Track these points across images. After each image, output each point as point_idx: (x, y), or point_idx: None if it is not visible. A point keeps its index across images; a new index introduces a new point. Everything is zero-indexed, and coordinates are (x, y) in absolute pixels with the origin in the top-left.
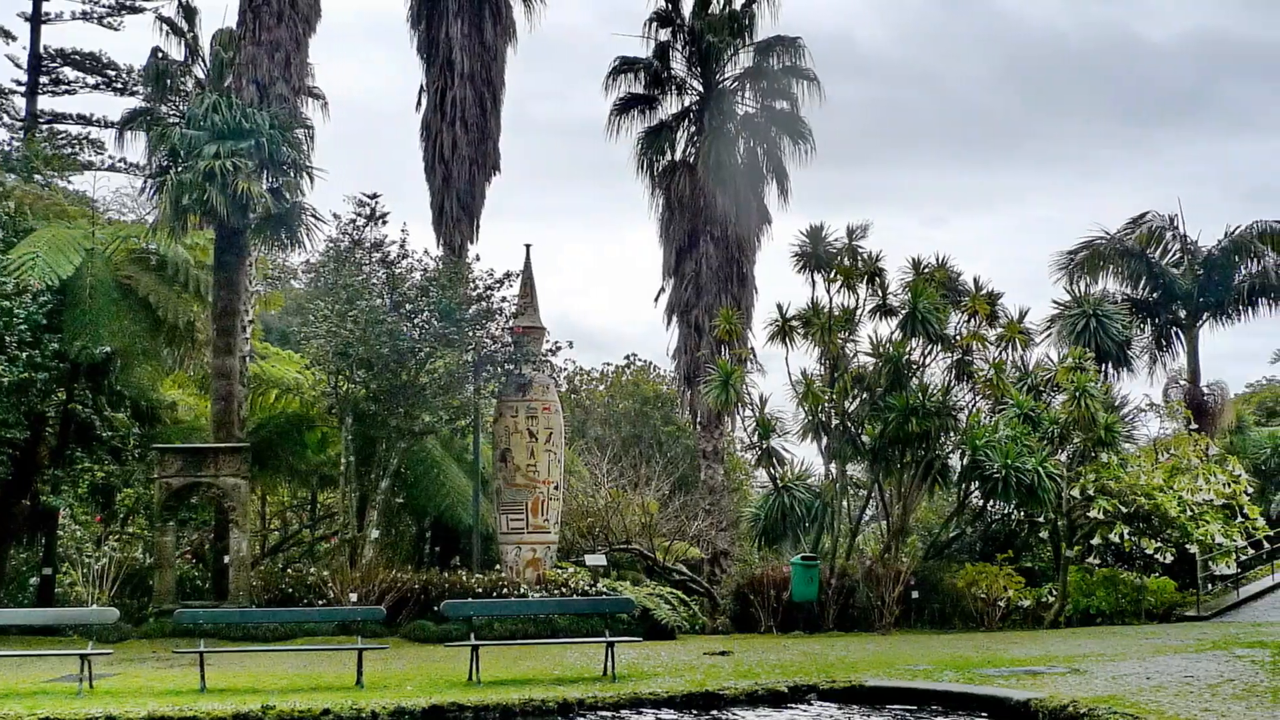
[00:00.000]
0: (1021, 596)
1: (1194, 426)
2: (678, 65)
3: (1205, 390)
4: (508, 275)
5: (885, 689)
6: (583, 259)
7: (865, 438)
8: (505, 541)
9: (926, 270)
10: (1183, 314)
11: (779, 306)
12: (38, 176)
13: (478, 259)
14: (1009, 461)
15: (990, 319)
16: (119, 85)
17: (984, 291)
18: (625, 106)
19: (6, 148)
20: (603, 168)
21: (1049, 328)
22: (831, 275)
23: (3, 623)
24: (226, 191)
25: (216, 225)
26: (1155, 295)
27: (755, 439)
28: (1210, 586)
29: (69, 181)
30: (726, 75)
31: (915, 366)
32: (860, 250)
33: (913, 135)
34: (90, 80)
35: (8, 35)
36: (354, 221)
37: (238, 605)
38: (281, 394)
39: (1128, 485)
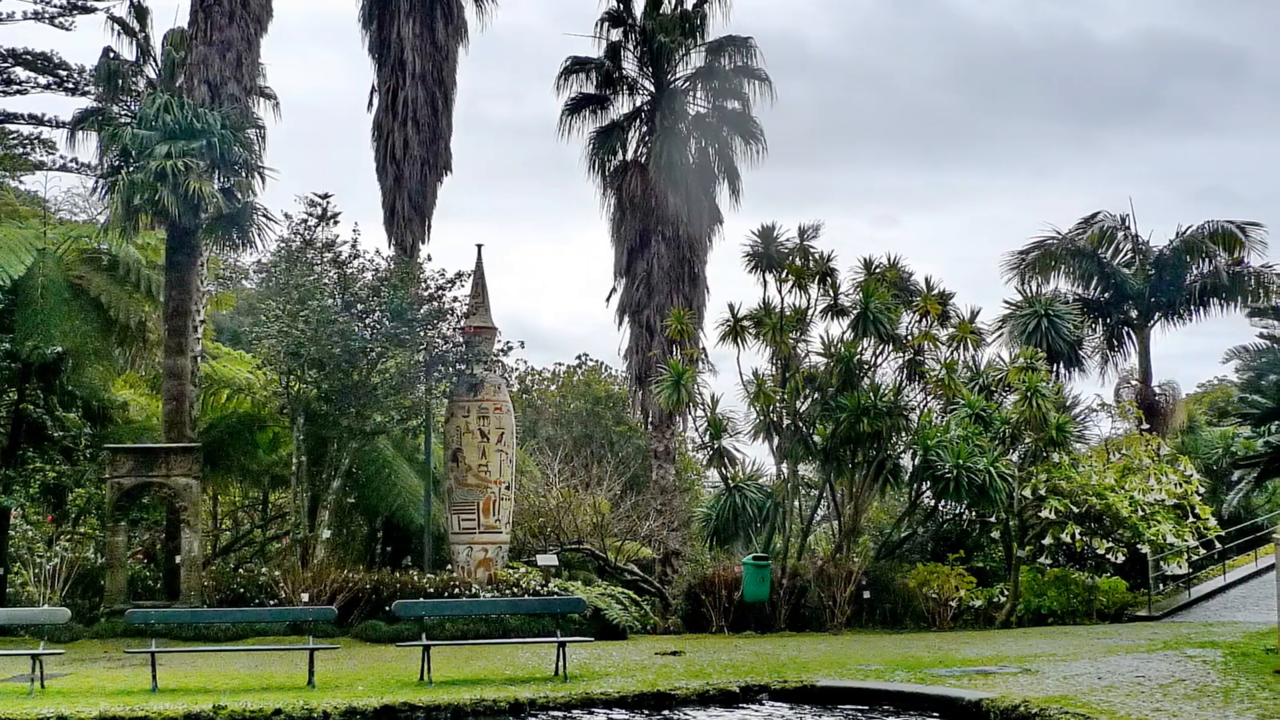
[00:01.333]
0: (973, 596)
1: (1145, 427)
2: (629, 65)
3: (1157, 390)
4: (459, 275)
5: (837, 689)
6: (534, 259)
7: (817, 438)
8: (457, 541)
9: (878, 270)
10: (1134, 314)
11: (731, 306)
12: None
13: (429, 259)
14: (960, 461)
15: (942, 319)
16: (70, 85)
17: (935, 291)
18: (577, 106)
19: None
20: (554, 168)
21: (1000, 328)
22: (783, 275)
23: None
24: (178, 191)
25: (168, 225)
26: (1107, 295)
27: (707, 439)
28: (1162, 586)
29: (20, 181)
30: (678, 75)
31: (867, 366)
32: (812, 250)
33: (864, 135)
34: (42, 80)
35: None
36: (305, 221)
37: (189, 605)
38: (233, 394)
39: (1079, 485)
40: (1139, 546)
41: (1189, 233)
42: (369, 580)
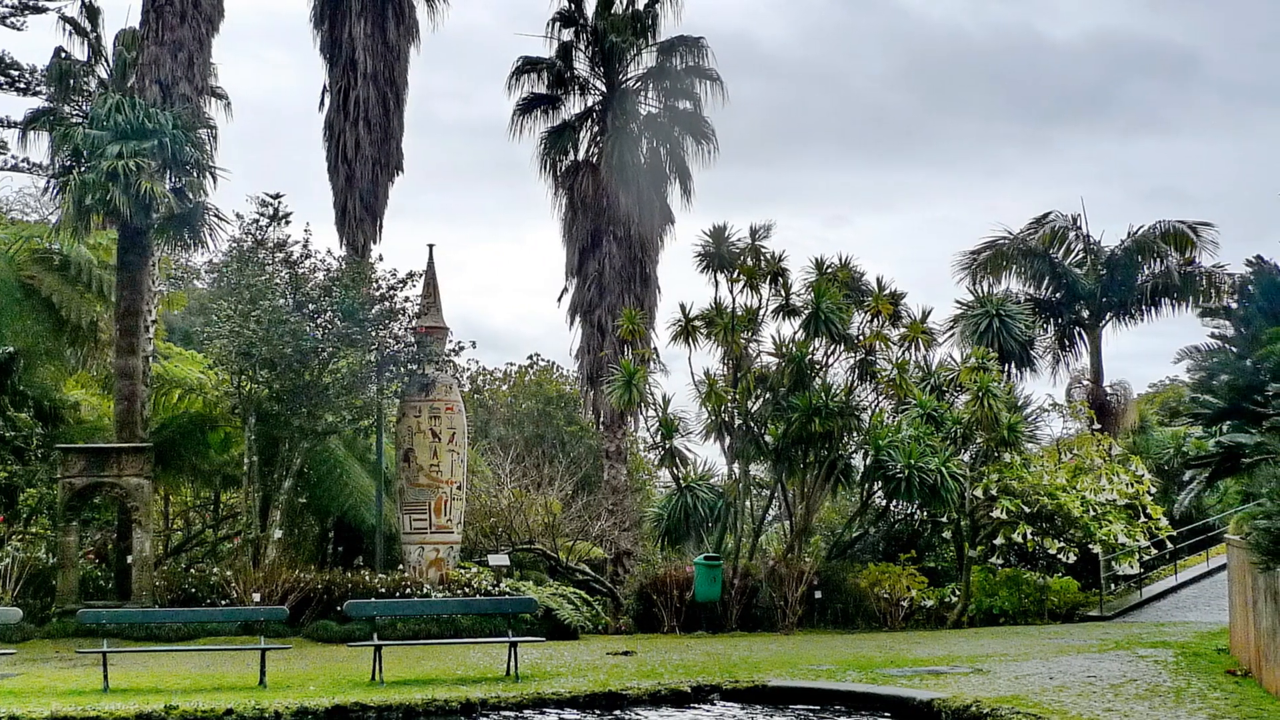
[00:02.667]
0: (925, 596)
1: (1097, 426)
2: (581, 65)
3: (1108, 390)
4: (411, 275)
5: (788, 689)
6: (486, 259)
7: (768, 438)
8: (408, 541)
9: (829, 270)
10: (1086, 314)
11: (682, 306)
12: None
13: (381, 259)
14: (912, 461)
15: (893, 319)
16: (22, 85)
17: (887, 291)
18: (528, 106)
19: None
20: (506, 168)
21: (952, 328)
22: (734, 275)
23: None
24: (129, 191)
25: (120, 225)
26: (1058, 295)
27: (658, 439)
28: (1113, 586)
29: None
30: (630, 75)
31: (818, 366)
32: (763, 250)
33: (815, 135)
34: None
35: None
36: (257, 221)
37: (141, 605)
38: (185, 394)
39: (1031, 485)
40: (1090, 546)
41: (1140, 233)
42: (321, 580)
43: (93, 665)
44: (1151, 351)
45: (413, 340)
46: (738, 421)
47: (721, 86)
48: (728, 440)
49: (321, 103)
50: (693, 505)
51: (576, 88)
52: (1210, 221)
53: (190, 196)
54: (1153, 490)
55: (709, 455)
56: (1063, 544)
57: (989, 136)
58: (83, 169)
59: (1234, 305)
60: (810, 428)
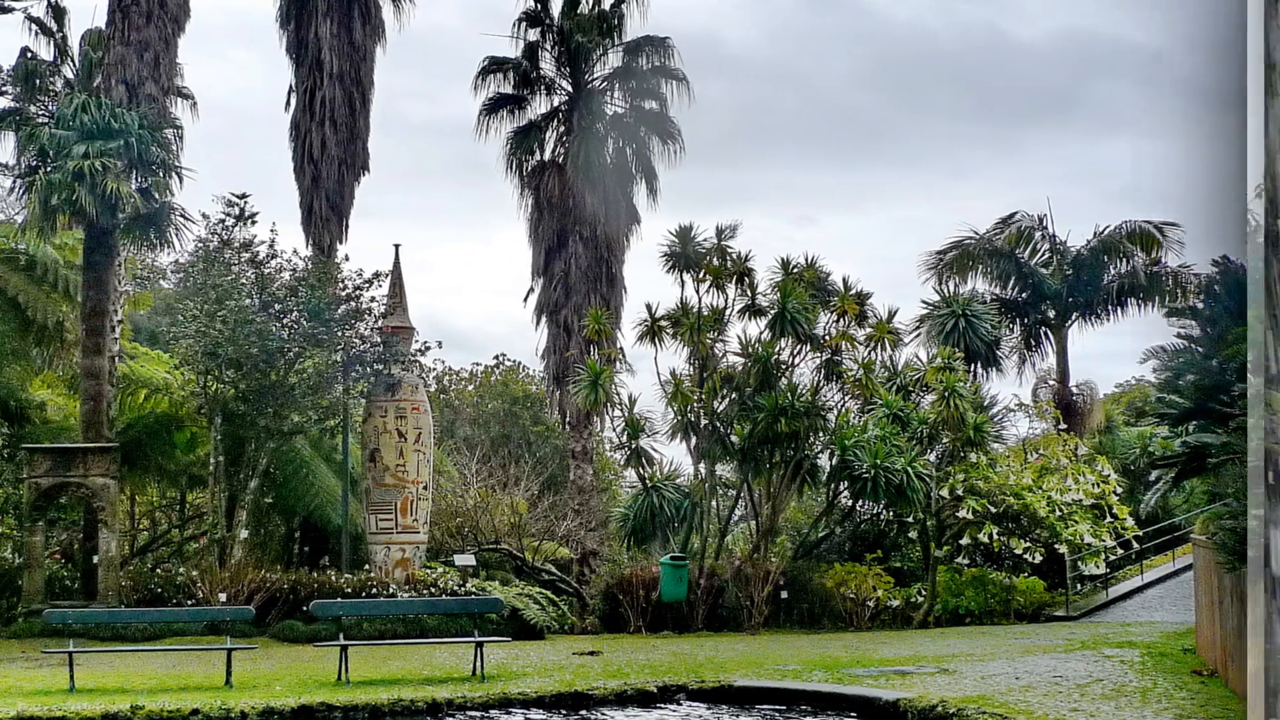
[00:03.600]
0: (891, 596)
1: (1063, 426)
2: (547, 65)
3: (1074, 390)
4: (377, 275)
5: (754, 689)
6: (452, 259)
7: (734, 438)
8: (374, 541)
9: (795, 270)
10: (1052, 314)
11: (648, 306)
12: None
13: (347, 259)
14: (878, 461)
15: (859, 319)
16: None
17: (853, 291)
18: (494, 106)
19: None
20: (472, 168)
21: (918, 328)
22: (700, 275)
23: None
24: (96, 191)
25: (86, 225)
26: (1024, 295)
27: (624, 439)
28: (1079, 586)
29: None
30: (596, 75)
31: (784, 366)
32: (729, 250)
33: (781, 135)
34: None
35: None
36: (223, 221)
37: (107, 605)
38: (151, 394)
39: (997, 485)
40: (1056, 546)
41: (1106, 233)
42: (286, 580)
43: (59, 665)
44: (1117, 351)
45: (379, 340)
46: (704, 421)
47: (688, 86)
48: (694, 440)
49: (288, 103)
50: (659, 505)
51: (543, 88)
52: (1176, 222)
53: (156, 196)
54: (1119, 490)
55: (675, 455)
56: (1029, 544)
57: (956, 137)
58: (49, 169)
59: (1200, 305)
60: (776, 428)
